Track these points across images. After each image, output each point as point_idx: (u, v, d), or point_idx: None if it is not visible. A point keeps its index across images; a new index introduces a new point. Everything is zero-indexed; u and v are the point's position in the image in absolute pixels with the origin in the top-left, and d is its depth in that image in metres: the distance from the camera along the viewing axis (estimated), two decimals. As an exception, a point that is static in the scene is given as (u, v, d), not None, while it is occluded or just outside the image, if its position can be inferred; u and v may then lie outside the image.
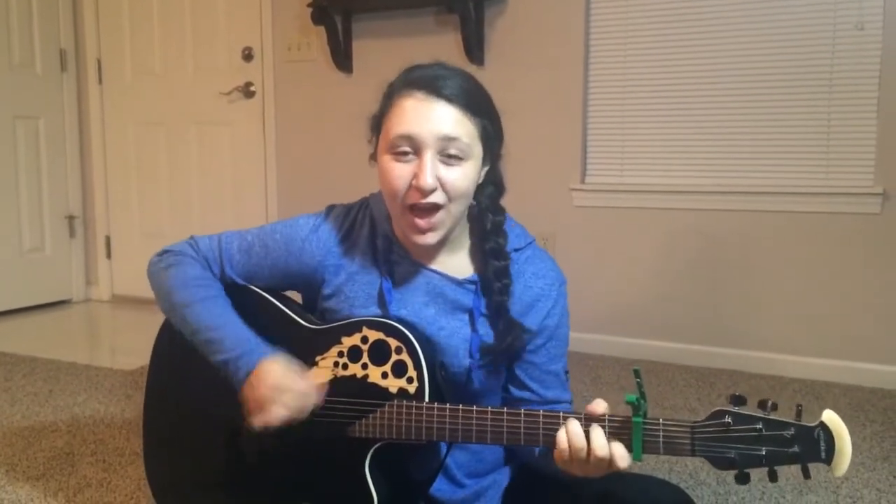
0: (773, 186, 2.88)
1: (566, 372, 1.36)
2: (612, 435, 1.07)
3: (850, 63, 2.75)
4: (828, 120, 2.80)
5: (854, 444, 2.12)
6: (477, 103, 1.22)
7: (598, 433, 1.07)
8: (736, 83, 2.92)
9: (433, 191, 1.18)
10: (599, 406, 1.09)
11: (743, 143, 2.93)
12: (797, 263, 2.86)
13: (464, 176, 1.20)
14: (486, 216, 1.28)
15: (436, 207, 1.20)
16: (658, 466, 2.01)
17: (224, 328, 1.26)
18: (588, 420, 1.09)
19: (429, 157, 1.17)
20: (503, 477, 1.39)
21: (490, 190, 1.29)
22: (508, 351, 1.28)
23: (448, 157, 1.18)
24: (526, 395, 1.33)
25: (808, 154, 2.84)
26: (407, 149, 1.19)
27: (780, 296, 2.89)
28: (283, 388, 1.18)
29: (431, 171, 1.17)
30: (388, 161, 1.21)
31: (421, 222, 1.20)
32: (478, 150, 1.22)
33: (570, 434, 1.08)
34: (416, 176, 1.18)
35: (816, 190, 2.82)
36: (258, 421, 1.19)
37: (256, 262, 1.36)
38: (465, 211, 1.26)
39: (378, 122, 1.26)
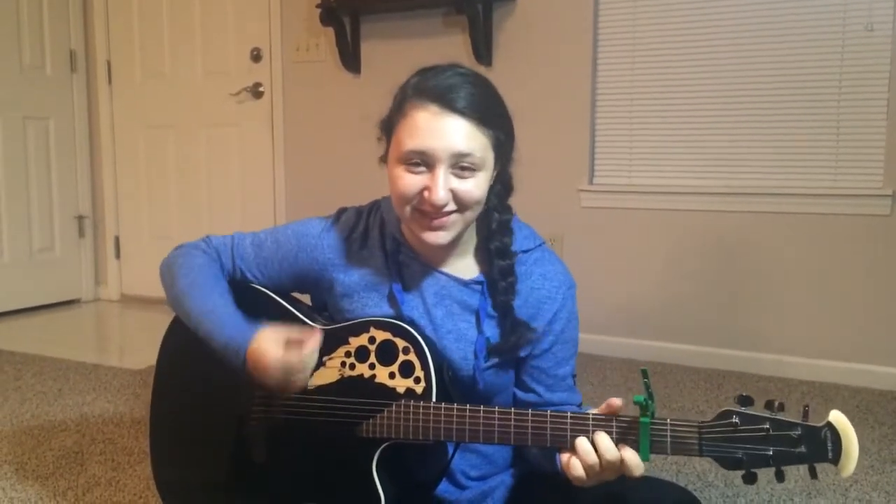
0: (782, 188, 2.87)
1: (573, 376, 1.36)
2: (620, 436, 1.07)
3: (860, 64, 2.74)
4: (837, 121, 2.79)
5: (863, 447, 2.11)
6: (490, 113, 1.20)
7: (603, 438, 1.07)
8: (745, 84, 2.91)
9: (446, 205, 1.18)
10: (614, 402, 1.09)
11: (751, 144, 2.92)
12: (806, 265, 2.85)
13: (476, 186, 1.20)
14: (493, 215, 1.28)
15: (449, 213, 1.20)
16: (666, 468, 2.00)
17: (212, 314, 1.27)
18: (596, 420, 1.09)
19: (441, 172, 1.17)
20: (511, 478, 1.39)
21: (498, 189, 1.28)
22: (513, 350, 1.28)
23: (461, 170, 1.18)
24: (531, 398, 1.33)
25: (817, 155, 2.83)
26: (419, 162, 1.19)
27: (788, 297, 2.88)
28: (280, 370, 1.20)
29: (444, 185, 1.17)
30: (399, 170, 1.20)
31: (433, 222, 1.20)
32: (490, 159, 1.22)
33: (580, 453, 1.08)
34: (428, 189, 1.18)
35: (825, 191, 2.81)
36: (284, 395, 1.24)
37: (267, 256, 1.37)
38: (477, 215, 1.26)
39: (389, 127, 1.25)
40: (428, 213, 1.20)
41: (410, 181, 1.19)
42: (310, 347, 1.21)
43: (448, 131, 1.16)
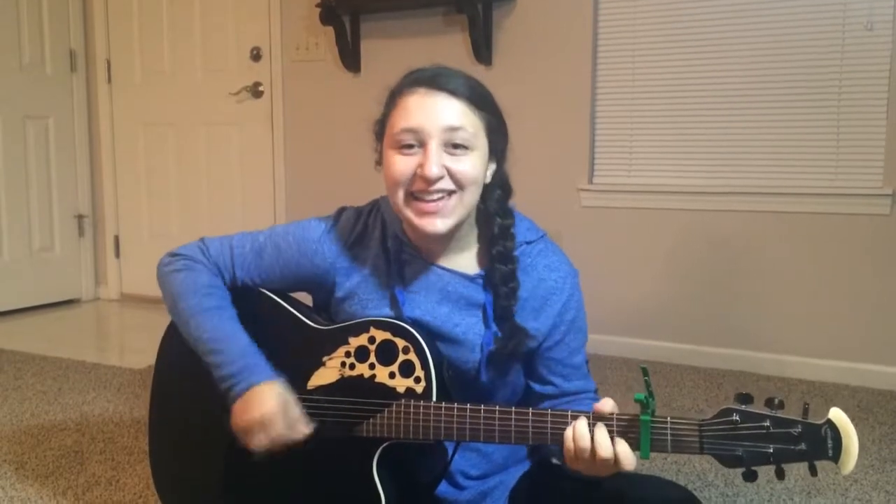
0: (782, 187, 2.87)
1: (586, 362, 1.36)
2: (621, 433, 1.07)
3: (860, 63, 2.73)
4: (837, 121, 2.79)
5: (863, 446, 2.11)
6: (480, 98, 1.22)
7: (601, 433, 1.07)
8: (745, 83, 2.91)
9: (439, 179, 1.18)
10: (606, 405, 1.09)
11: (751, 143, 2.92)
12: (805, 264, 2.85)
13: (471, 165, 1.20)
14: (494, 220, 1.28)
15: (446, 195, 1.20)
16: (666, 468, 2.00)
17: (226, 341, 1.26)
18: (596, 419, 1.09)
19: (433, 146, 1.18)
20: (510, 477, 1.39)
21: (497, 193, 1.29)
22: (511, 356, 1.28)
23: (454, 148, 1.19)
24: (549, 389, 1.33)
25: (817, 155, 2.83)
26: (412, 142, 1.19)
27: (788, 297, 2.88)
28: (272, 420, 1.19)
29: (437, 159, 1.17)
30: (392, 156, 1.21)
31: (429, 206, 1.20)
32: (483, 142, 1.22)
33: (575, 434, 1.08)
34: (421, 166, 1.18)
35: (825, 191, 2.81)
36: (246, 443, 1.22)
37: (268, 264, 1.36)
38: (475, 201, 1.25)
39: (381, 126, 1.26)
40: (422, 195, 1.19)
41: (403, 163, 1.20)
42: (301, 432, 1.21)
43: (438, 107, 1.18)
